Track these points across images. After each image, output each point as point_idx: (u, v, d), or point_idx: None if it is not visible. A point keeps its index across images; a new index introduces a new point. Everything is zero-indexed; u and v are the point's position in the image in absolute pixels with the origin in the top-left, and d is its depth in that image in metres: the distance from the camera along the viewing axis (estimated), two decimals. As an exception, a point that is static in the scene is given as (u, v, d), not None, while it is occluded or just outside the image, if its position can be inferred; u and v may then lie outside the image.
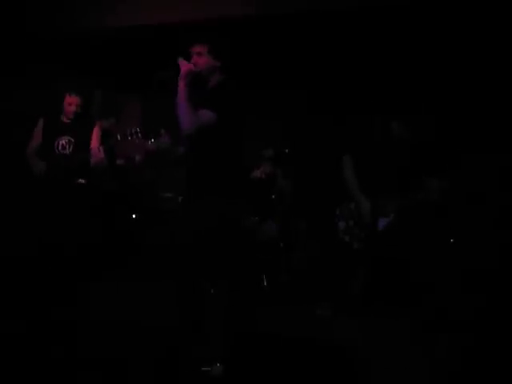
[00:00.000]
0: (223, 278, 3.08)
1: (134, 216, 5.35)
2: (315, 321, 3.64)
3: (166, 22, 4.38)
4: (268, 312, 3.82)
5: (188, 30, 4.27)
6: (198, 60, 3.01)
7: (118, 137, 4.12)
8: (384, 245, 3.45)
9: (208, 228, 3.02)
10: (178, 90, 2.97)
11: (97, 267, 4.42)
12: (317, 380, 2.76)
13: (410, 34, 4.26)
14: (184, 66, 2.99)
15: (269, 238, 4.62)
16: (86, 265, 4.28)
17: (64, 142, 4.28)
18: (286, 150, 4.95)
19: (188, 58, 3.04)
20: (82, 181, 4.31)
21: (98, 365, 2.93)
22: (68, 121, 4.34)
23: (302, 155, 5.14)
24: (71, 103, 4.27)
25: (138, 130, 4.00)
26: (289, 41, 4.75)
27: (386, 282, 3.42)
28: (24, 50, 4.93)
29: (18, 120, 4.91)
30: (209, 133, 2.98)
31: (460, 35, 4.15)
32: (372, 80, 4.94)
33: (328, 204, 3.88)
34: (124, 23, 4.50)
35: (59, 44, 4.86)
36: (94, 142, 4.34)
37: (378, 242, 3.47)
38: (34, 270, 4.04)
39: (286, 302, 4.09)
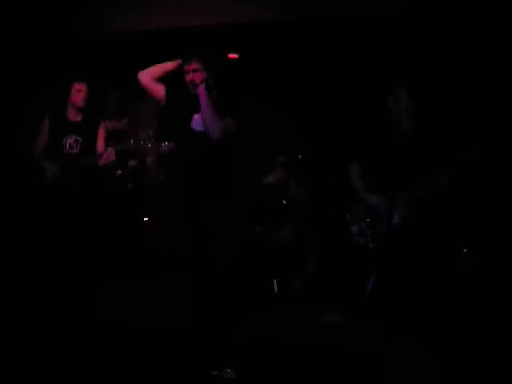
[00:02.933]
0: (231, 281, 3.09)
1: (145, 219, 5.36)
2: (326, 326, 3.61)
3: (178, 26, 4.39)
4: (278, 316, 3.80)
5: (200, 34, 4.32)
6: (194, 76, 3.08)
7: (131, 141, 4.12)
8: (397, 243, 3.39)
9: (223, 233, 3.05)
10: (200, 95, 3.02)
11: (106, 268, 4.42)
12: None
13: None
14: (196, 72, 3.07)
15: (282, 243, 4.61)
16: (95, 266, 4.28)
17: (72, 141, 4.26)
18: (299, 156, 4.95)
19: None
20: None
21: (106, 366, 2.92)
22: (75, 118, 4.30)
23: (314, 160, 5.13)
24: (80, 89, 4.21)
25: (151, 134, 4.00)
26: (300, 46, 4.77)
27: (399, 283, 3.37)
28: (35, 52, 4.92)
29: (24, 120, 4.88)
30: (229, 139, 3.07)
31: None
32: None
33: (339, 208, 3.86)
34: (137, 27, 4.51)
35: (72, 45, 4.86)
36: (100, 142, 4.32)
37: (391, 240, 3.41)
38: (45, 271, 4.03)
39: (297, 307, 4.06)
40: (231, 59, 5.08)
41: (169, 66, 3.22)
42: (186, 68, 3.11)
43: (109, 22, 4.54)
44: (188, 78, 3.10)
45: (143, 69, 3.22)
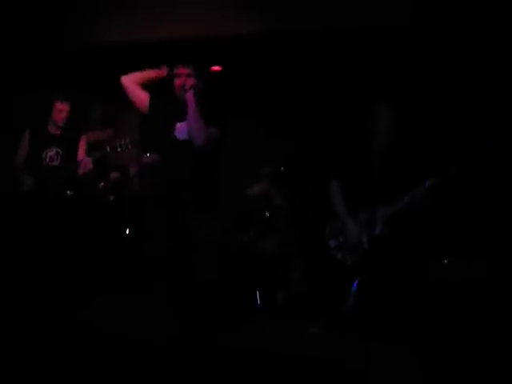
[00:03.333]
0: (214, 292, 3.08)
1: (127, 231, 5.31)
2: (308, 338, 3.61)
3: (163, 38, 4.40)
4: (262, 329, 3.79)
5: (186, 45, 4.34)
6: (187, 81, 3.09)
7: (108, 148, 4.10)
8: (376, 256, 3.42)
9: (206, 243, 3.05)
10: (188, 100, 3.03)
11: (87, 281, 4.37)
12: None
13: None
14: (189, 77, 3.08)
15: (266, 255, 4.61)
16: (75, 278, 4.23)
17: (52, 153, 4.27)
18: (282, 168, 4.98)
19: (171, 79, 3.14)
20: (69, 193, 4.28)
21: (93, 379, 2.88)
22: (56, 132, 4.32)
23: (297, 173, 5.16)
24: (62, 110, 4.26)
25: (128, 140, 3.97)
26: (283, 59, 4.81)
27: (377, 297, 3.40)
28: (20, 63, 4.87)
29: (4, 131, 4.84)
30: (212, 148, 3.07)
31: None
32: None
33: (319, 221, 3.88)
34: (121, 38, 4.51)
35: (56, 57, 4.84)
36: (81, 153, 4.33)
37: (370, 254, 3.45)
38: (22, 284, 3.96)
39: (281, 319, 4.05)
40: (214, 71, 5.11)
41: (154, 73, 3.21)
42: (180, 71, 3.11)
43: (94, 33, 4.53)
44: (179, 81, 3.11)
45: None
